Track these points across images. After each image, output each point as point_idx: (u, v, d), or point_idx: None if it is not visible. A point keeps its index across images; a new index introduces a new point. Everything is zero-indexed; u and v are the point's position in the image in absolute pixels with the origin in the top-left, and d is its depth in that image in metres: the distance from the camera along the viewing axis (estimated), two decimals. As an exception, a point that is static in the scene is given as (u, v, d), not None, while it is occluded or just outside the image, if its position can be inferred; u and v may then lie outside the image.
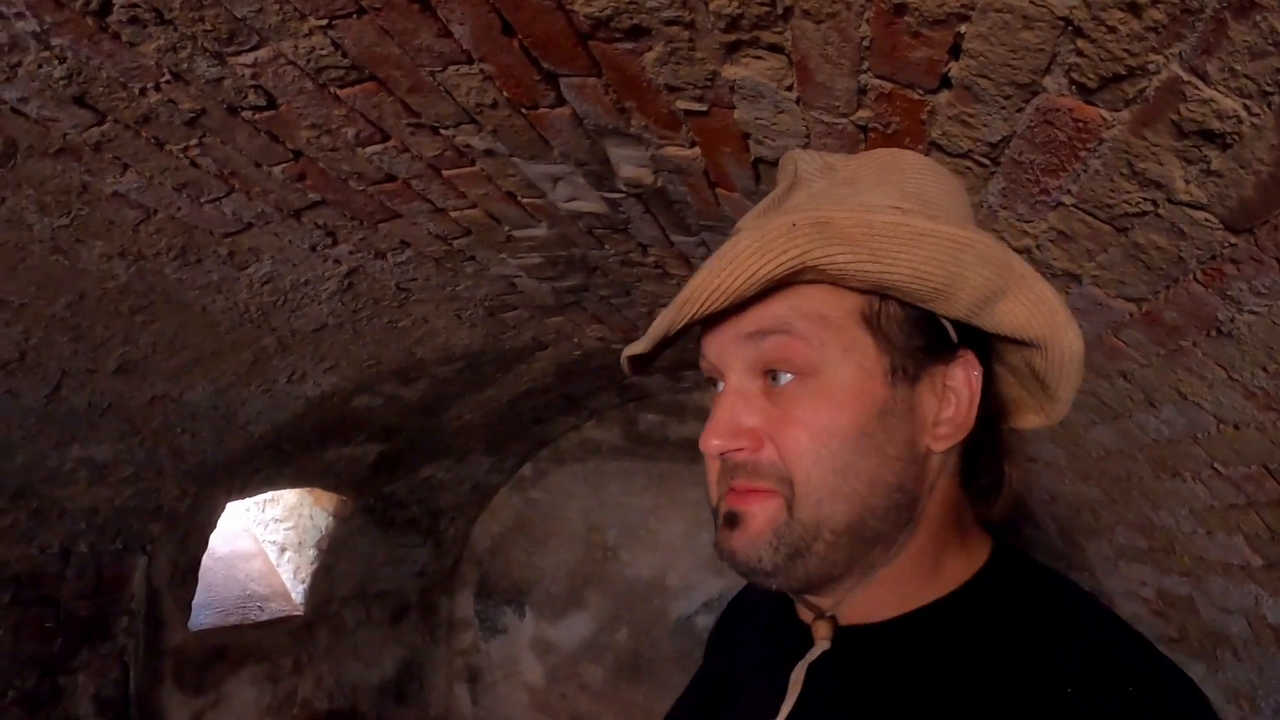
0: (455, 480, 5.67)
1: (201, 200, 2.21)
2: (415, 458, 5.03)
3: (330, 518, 5.02)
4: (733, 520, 0.90)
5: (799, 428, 0.87)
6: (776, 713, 0.92)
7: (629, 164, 2.05)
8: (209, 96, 1.77)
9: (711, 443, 0.89)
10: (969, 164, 1.57)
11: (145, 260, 2.46)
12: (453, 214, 2.43)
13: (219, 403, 3.42)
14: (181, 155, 1.99)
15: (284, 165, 2.05)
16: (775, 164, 1.82)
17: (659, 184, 2.19)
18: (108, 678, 3.91)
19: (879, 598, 0.92)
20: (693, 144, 1.88)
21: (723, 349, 0.92)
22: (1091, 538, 3.67)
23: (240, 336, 3.04)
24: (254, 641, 4.76)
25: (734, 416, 0.90)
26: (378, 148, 1.97)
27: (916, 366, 0.90)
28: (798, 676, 0.93)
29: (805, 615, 1.00)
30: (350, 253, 2.64)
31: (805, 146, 1.67)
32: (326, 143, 1.94)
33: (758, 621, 1.14)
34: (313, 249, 2.57)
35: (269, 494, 5.20)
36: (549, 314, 3.62)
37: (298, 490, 5.04)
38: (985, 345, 0.94)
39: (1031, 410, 1.01)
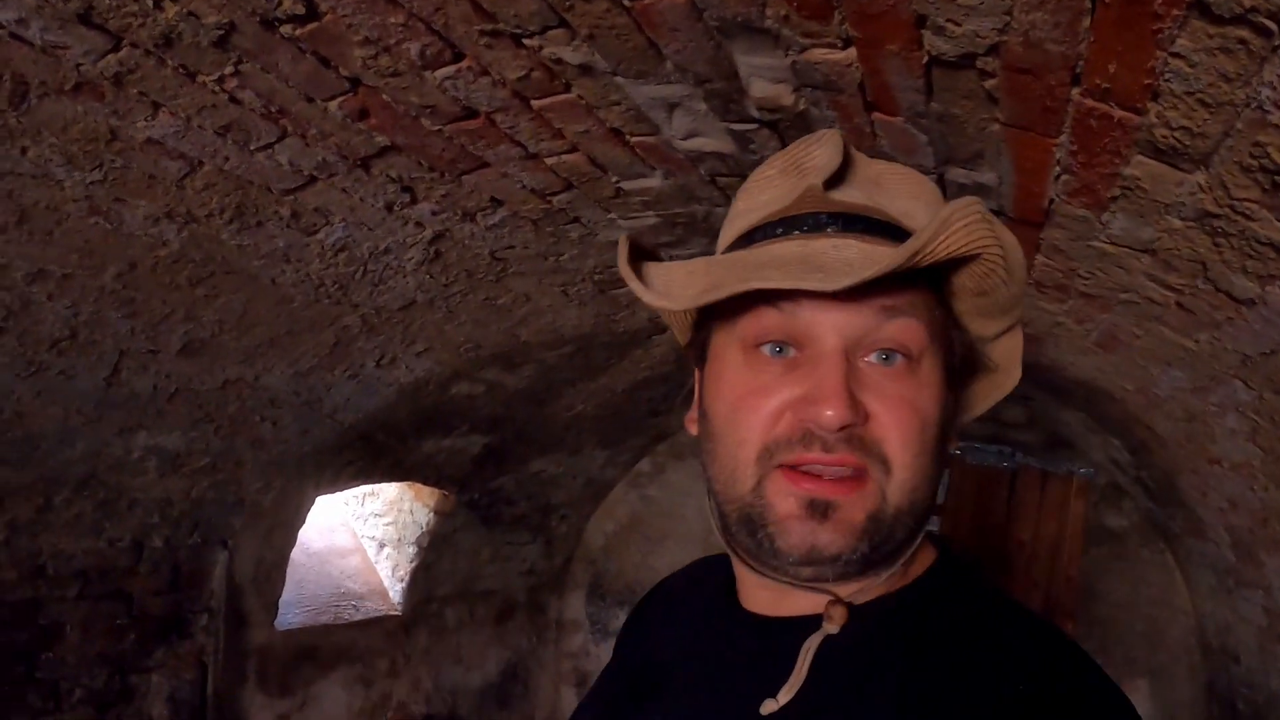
0: (568, 475, 5.34)
1: (251, 147, 1.85)
2: (524, 450, 4.69)
3: (432, 513, 4.72)
4: (822, 510, 0.83)
5: (908, 410, 0.84)
6: (742, 699, 0.89)
7: (762, 77, 1.56)
8: (236, 5, 1.39)
9: (830, 414, 0.80)
10: (1243, 32, 1.07)
11: (197, 223, 2.13)
12: (548, 160, 2.00)
13: (301, 388, 3.10)
14: (218, 88, 1.63)
15: (341, 99, 1.67)
16: (956, 67, 1.38)
17: (800, 107, 1.68)
18: (184, 678, 3.68)
19: (873, 587, 0.92)
20: (847, 42, 1.40)
21: (830, 320, 0.85)
22: (1276, 552, 3.16)
23: (317, 314, 2.70)
24: (347, 642, 4.48)
25: (849, 387, 0.83)
26: (449, 70, 1.55)
27: (959, 374, 0.94)
28: (806, 656, 0.88)
29: (758, 601, 0.97)
30: (433, 213, 2.26)
31: (1007, 26, 1.23)
32: (386, 64, 1.53)
33: (687, 615, 1.10)
34: (389, 209, 2.19)
35: (367, 488, 4.94)
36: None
37: (398, 484, 4.75)
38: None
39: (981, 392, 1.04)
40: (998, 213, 1.96)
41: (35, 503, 3.00)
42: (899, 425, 0.83)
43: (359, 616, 4.55)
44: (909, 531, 0.87)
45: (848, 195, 0.93)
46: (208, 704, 3.77)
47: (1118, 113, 1.33)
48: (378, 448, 3.83)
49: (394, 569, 4.87)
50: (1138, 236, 1.77)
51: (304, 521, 3.97)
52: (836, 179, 0.93)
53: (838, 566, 0.84)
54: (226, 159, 1.90)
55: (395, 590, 4.84)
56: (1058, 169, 1.62)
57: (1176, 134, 1.32)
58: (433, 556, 4.84)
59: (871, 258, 0.83)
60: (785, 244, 0.89)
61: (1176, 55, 1.14)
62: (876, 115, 1.64)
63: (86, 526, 3.16)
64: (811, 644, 0.88)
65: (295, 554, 4.15)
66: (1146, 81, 1.22)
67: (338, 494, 4.64)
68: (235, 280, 2.42)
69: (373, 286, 2.62)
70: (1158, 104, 1.27)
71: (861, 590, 0.90)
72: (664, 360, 4.18)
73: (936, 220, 0.79)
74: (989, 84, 1.40)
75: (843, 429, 0.81)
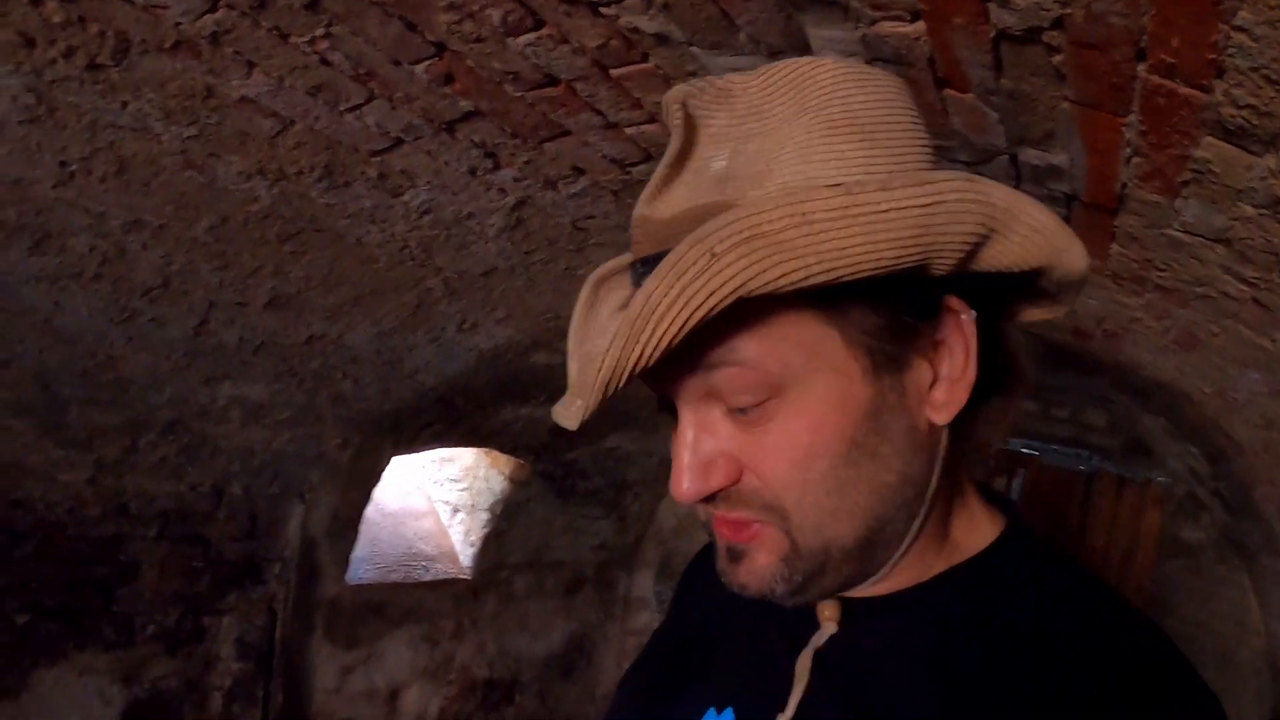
0: (643, 453, 5.36)
1: (340, 108, 1.90)
2: (600, 425, 4.72)
3: (507, 481, 4.79)
4: (735, 555, 0.82)
5: (777, 457, 0.77)
6: (773, 696, 0.86)
7: (833, 50, 1.56)
8: (328, -32, 1.44)
9: (684, 488, 0.78)
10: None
11: (287, 180, 2.19)
12: (628, 130, 2.01)
13: (383, 348, 3.18)
14: (309, 50, 1.67)
15: (426, 63, 1.70)
16: (1023, 41, 1.34)
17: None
18: (254, 623, 3.81)
19: (891, 577, 0.85)
20: (915, 15, 1.38)
21: (668, 385, 0.80)
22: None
23: (401, 275, 2.76)
24: (415, 601, 4.59)
25: (701, 452, 0.79)
26: (530, 37, 1.58)
27: (898, 345, 0.77)
28: (804, 665, 0.86)
29: None
30: (515, 179, 2.29)
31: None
32: (470, 30, 1.57)
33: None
34: (472, 173, 2.23)
35: (445, 453, 5.03)
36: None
37: (474, 451, 4.83)
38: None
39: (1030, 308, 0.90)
40: (1070, 198, 1.92)
41: (122, 444, 3.12)
42: (772, 474, 0.77)
43: (429, 577, 4.65)
44: (851, 556, 0.79)
45: (671, 203, 0.79)
46: (275, 649, 3.89)
47: (1184, 90, 1.29)
48: (456, 412, 3.90)
49: (466, 534, 4.96)
50: (1210, 224, 1.70)
51: (380, 480, 4.06)
52: (674, 171, 0.79)
53: (778, 600, 0.81)
54: (317, 119, 1.95)
55: (466, 554, 4.93)
56: (1129, 150, 1.57)
57: (1244, 113, 1.27)
58: (505, 524, 4.91)
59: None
60: (609, 319, 0.83)
61: (1239, 29, 1.10)
62: (947, 91, 1.62)
63: (169, 470, 3.28)
64: (817, 641, 0.86)
65: (370, 512, 4.25)
66: (1210, 57, 1.17)
67: (415, 456, 4.73)
68: (322, 238, 2.49)
69: (455, 250, 2.67)
70: (1223, 81, 1.21)
71: (880, 582, 0.85)
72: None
73: (677, 285, 0.67)
74: (1056, 59, 1.37)
75: (703, 500, 0.78)
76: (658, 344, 0.68)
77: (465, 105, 1.88)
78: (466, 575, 4.87)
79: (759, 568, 0.80)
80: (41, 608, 3.30)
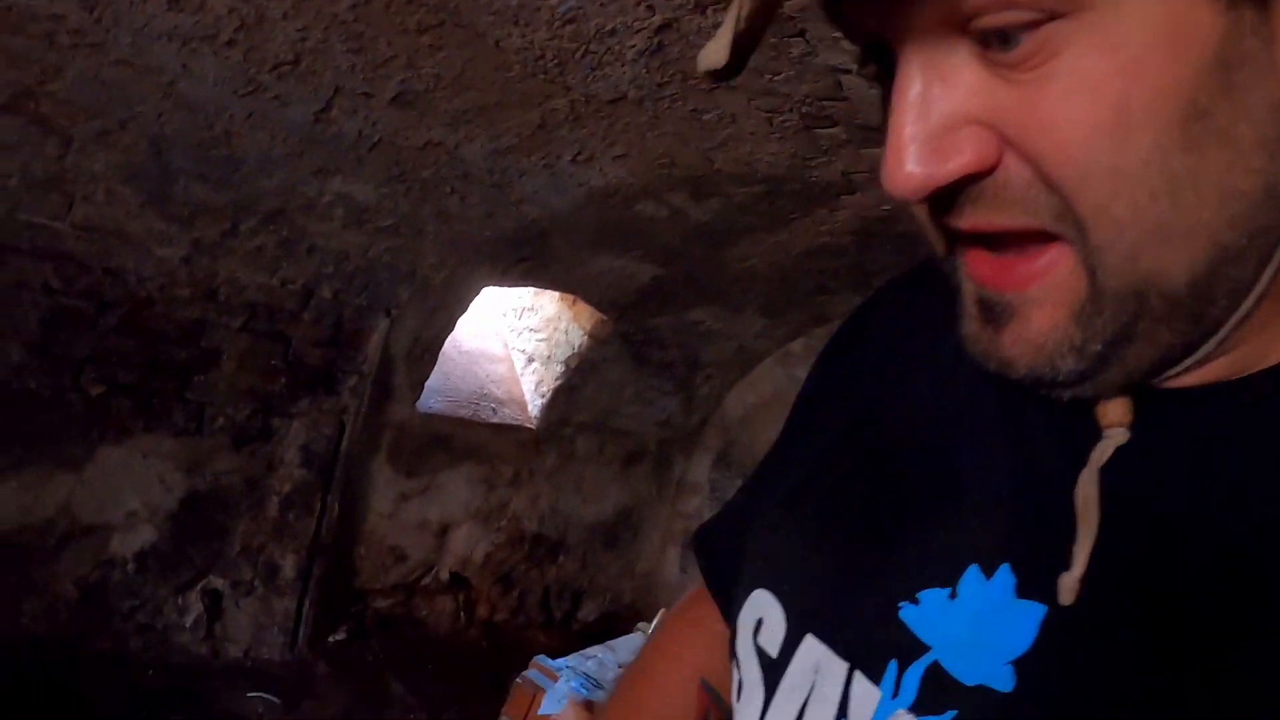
0: (723, 334, 5.37)
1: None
2: (688, 294, 4.73)
3: (586, 337, 4.83)
4: (997, 313, 0.58)
5: (1064, 123, 0.50)
6: (1045, 543, 0.62)
7: None
8: None
9: (904, 171, 0.53)
10: None
11: (440, -38, 2.17)
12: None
13: (495, 168, 3.18)
14: None
15: None
16: None
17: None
18: (322, 432, 3.91)
19: (1215, 359, 0.58)
20: None
21: (878, 11, 0.54)
22: None
23: (530, 90, 2.75)
24: (480, 441, 4.68)
25: (935, 114, 0.52)
26: None
27: None
28: (1088, 495, 0.60)
29: None
30: (668, -3, 2.26)
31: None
32: None
33: (936, 359, 0.78)
34: (627, -18, 2.21)
35: (527, 302, 5.08)
36: (868, 141, 3.13)
37: (558, 302, 4.87)
38: None
39: None
40: None
41: (223, 226, 3.18)
42: (1057, 152, 0.51)
43: (496, 420, 4.73)
44: (1177, 309, 0.54)
45: None
46: (338, 461, 4.00)
47: None
48: (552, 252, 3.92)
49: (537, 384, 5.03)
50: None
51: (466, 310, 4.11)
52: None
53: (1054, 388, 0.59)
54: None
55: (535, 405, 5.00)
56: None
57: None
58: (577, 380, 4.97)
59: None
60: None
61: None
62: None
63: (264, 261, 3.34)
64: (1100, 457, 0.61)
65: (447, 346, 4.32)
66: None
67: (500, 296, 4.79)
68: (461, 35, 2.47)
69: (589, 70, 2.64)
70: None
71: (1196, 369, 0.59)
72: (845, 229, 4.12)
73: None
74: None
75: (932, 197, 0.55)
76: None
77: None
78: (532, 425, 4.96)
79: (1037, 331, 0.57)
80: (117, 382, 3.41)
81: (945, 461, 0.73)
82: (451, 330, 4.15)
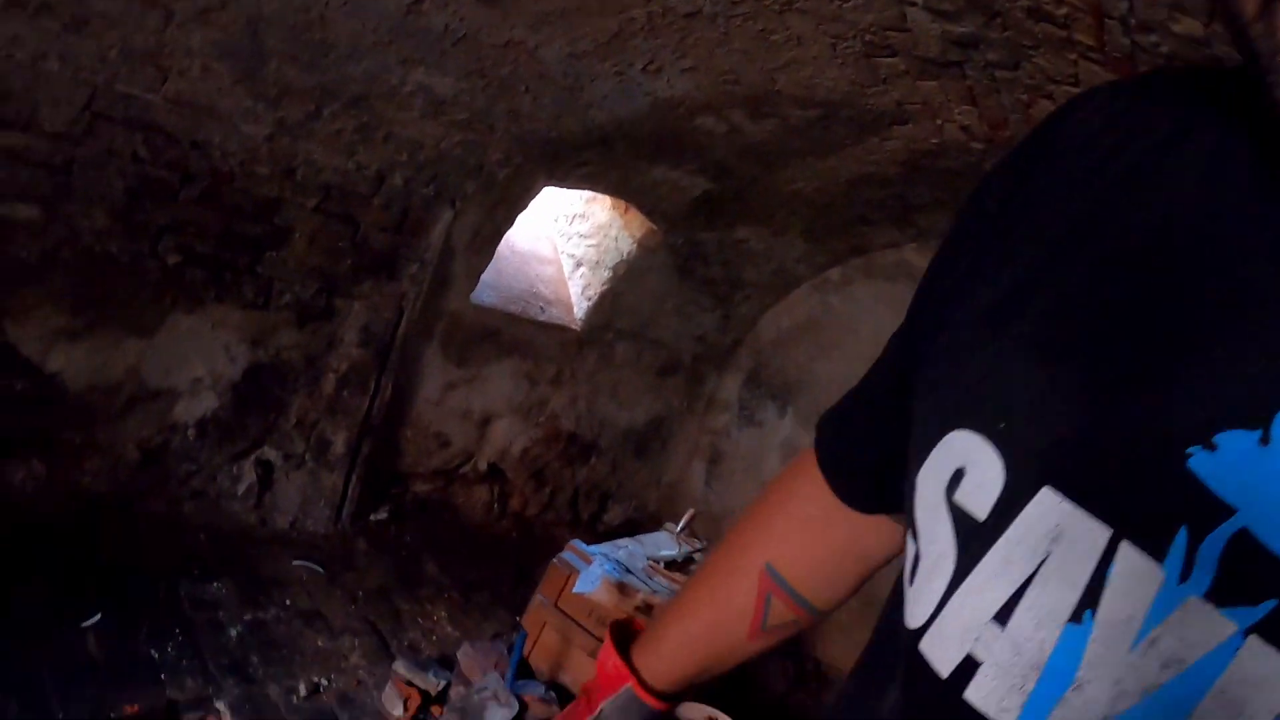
0: (765, 255, 5.52)
1: None
2: (736, 211, 4.88)
3: (635, 245, 5.00)
4: None
5: None
6: None
7: None
8: None
9: None
10: None
11: None
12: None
13: (570, 70, 3.34)
14: None
15: None
16: None
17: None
18: (381, 315, 4.10)
19: None
20: None
21: None
22: None
23: (613, -4, 2.90)
24: (527, 337, 4.87)
25: None
26: None
27: None
28: None
29: None
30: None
31: None
32: None
33: (1168, 172, 0.68)
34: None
35: (579, 208, 5.23)
36: (925, 74, 3.26)
37: (610, 210, 5.03)
38: None
39: None
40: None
41: (307, 108, 3.35)
42: None
43: (543, 318, 4.92)
44: None
45: None
46: (394, 345, 4.20)
47: None
48: (613, 158, 4.07)
49: (584, 288, 5.20)
50: None
51: (526, 208, 4.27)
52: None
53: None
54: None
55: (580, 308, 5.19)
56: None
57: None
58: (623, 287, 5.15)
59: None
60: None
61: None
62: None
63: (343, 145, 3.51)
64: None
65: (501, 244, 4.49)
66: None
67: (551, 203, 4.94)
68: (555, -62, 2.63)
69: (673, -20, 2.79)
70: None
71: None
72: (892, 160, 4.24)
73: None
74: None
75: None
76: None
77: None
78: (575, 328, 5.14)
79: None
80: (193, 253, 3.58)
81: (1229, 281, 0.61)
82: (510, 227, 4.32)
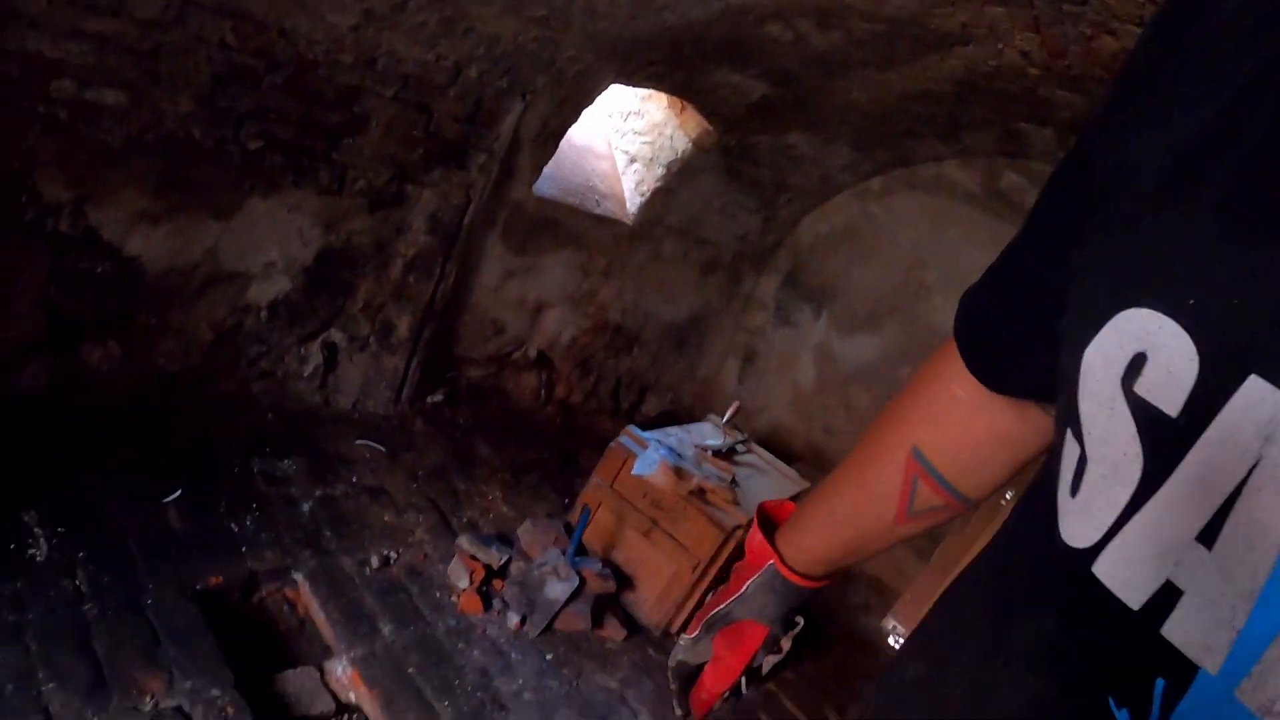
0: (813, 161, 5.62)
1: None
2: (790, 116, 4.98)
3: (690, 144, 5.10)
4: None
5: None
6: None
7: None
8: None
9: None
10: None
11: None
12: None
13: (648, -29, 3.44)
14: None
15: None
16: None
17: None
18: (450, 202, 4.25)
19: None
20: None
21: None
22: None
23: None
24: (583, 229, 5.03)
25: None
26: None
27: None
28: None
29: None
30: None
31: None
32: None
33: None
34: None
35: (635, 106, 5.32)
36: (991, 0, 3.39)
37: (666, 109, 5.13)
38: None
39: None
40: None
41: (394, 1, 3.44)
42: None
43: (598, 211, 5.06)
44: None
45: None
46: (460, 233, 4.35)
47: None
48: (680, 60, 4.17)
49: (637, 184, 5.33)
50: None
51: (591, 104, 4.38)
52: None
53: None
54: None
55: (633, 203, 5.32)
56: None
57: None
58: (675, 184, 5.27)
59: None
60: None
61: None
62: None
63: (424, 37, 3.62)
64: None
65: (561, 142, 4.60)
66: None
67: (607, 100, 5.03)
68: None
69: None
70: None
71: None
72: (949, 79, 4.31)
73: None
74: None
75: None
76: None
77: None
78: (628, 222, 5.28)
79: None
80: (274, 139, 3.70)
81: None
82: (575, 122, 4.43)
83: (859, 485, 1.22)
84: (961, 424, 1.10)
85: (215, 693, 2.82)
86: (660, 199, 5.30)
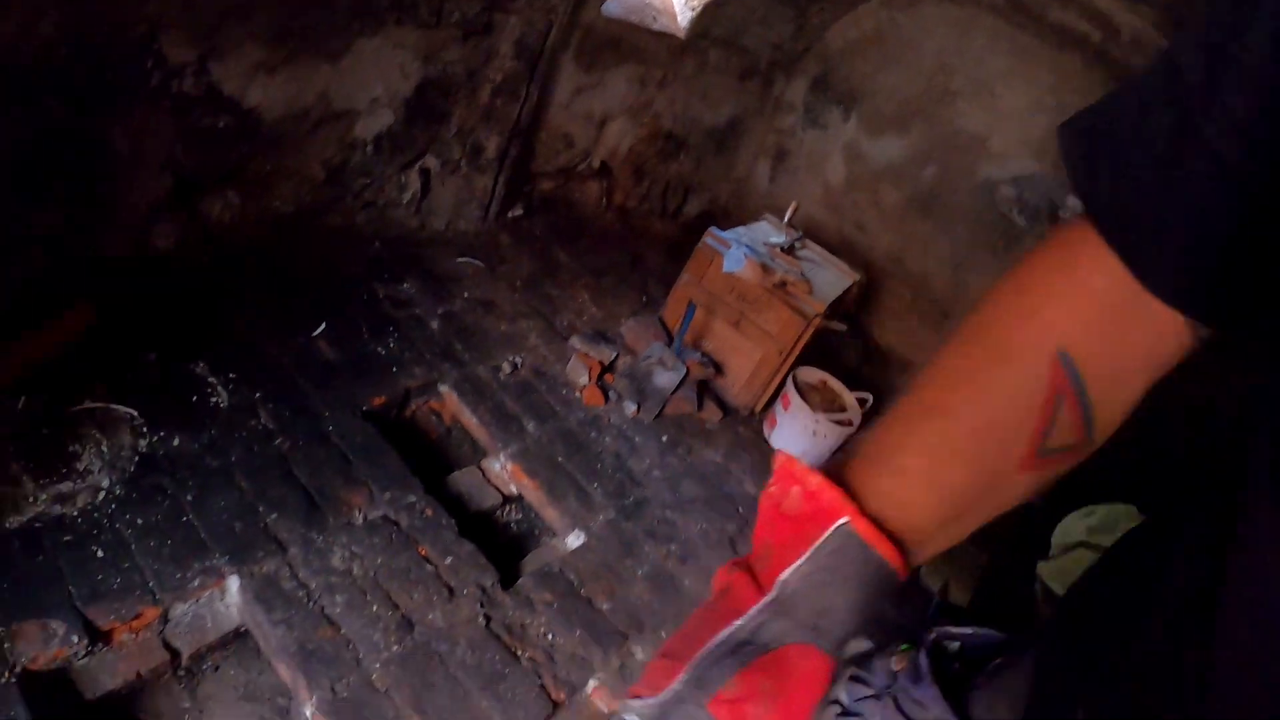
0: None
1: None
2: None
3: (734, -45, 5.36)
4: None
5: None
6: None
7: None
8: None
9: None
10: None
11: None
12: None
13: None
14: None
15: None
16: None
17: None
18: (534, 28, 4.57)
19: None
20: None
21: None
22: None
23: None
24: (642, 45, 5.36)
25: None
26: None
27: None
28: None
29: None
30: None
31: None
32: None
33: None
34: None
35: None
36: None
37: (706, -82, 5.37)
38: None
39: None
40: None
41: None
42: None
43: (656, 27, 5.38)
44: None
45: None
46: (542, 56, 4.69)
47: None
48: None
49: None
50: None
51: (658, -75, 4.67)
52: None
53: None
54: None
55: (684, 17, 5.60)
56: None
57: None
58: (723, -3, 5.55)
59: None
60: None
61: None
62: None
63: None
64: None
65: (618, -40, 4.90)
66: None
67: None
68: None
69: None
70: None
71: None
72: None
73: None
74: None
75: None
76: None
77: None
78: (680, 35, 5.59)
79: None
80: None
81: None
82: (642, -55, 4.72)
83: (981, 399, 0.84)
84: (1112, 326, 0.81)
85: (412, 499, 3.26)
86: (710, 12, 5.51)
